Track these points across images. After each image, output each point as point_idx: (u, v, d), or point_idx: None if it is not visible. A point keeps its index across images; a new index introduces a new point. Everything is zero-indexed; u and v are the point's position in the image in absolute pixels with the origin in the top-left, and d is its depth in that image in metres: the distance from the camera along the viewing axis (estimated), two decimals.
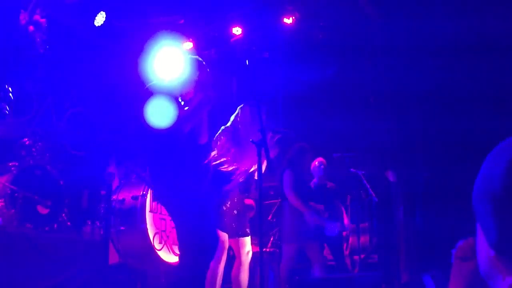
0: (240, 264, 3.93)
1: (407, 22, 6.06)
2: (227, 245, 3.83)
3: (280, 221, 5.29)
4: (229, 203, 3.86)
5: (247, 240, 3.98)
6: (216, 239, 3.46)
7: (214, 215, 3.64)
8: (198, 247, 2.96)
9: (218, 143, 3.74)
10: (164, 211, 4.85)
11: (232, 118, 3.92)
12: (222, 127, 3.89)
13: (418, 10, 5.93)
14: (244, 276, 3.94)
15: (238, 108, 3.96)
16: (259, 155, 3.23)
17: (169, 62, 3.41)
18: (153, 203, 4.85)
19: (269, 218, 6.73)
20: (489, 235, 0.89)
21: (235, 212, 3.89)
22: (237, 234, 3.89)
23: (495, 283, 0.89)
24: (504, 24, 5.28)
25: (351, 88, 7.10)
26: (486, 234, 0.90)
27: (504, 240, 0.86)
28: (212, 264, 3.59)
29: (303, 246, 5.15)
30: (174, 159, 3.07)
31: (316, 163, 5.66)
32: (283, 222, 5.22)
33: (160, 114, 2.98)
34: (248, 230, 3.99)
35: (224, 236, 3.78)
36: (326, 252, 5.83)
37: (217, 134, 3.80)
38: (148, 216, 4.75)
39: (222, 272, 3.78)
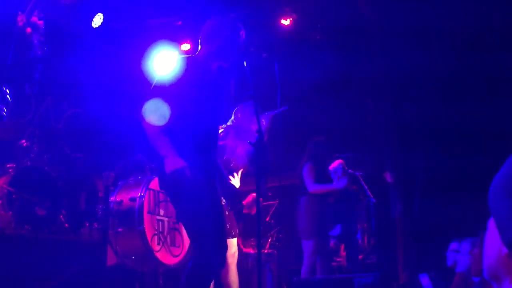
0: (227, 266, 3.92)
1: (406, 24, 6.08)
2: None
3: (297, 217, 5.31)
4: (223, 201, 3.87)
5: (235, 241, 3.99)
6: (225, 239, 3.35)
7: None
8: (210, 247, 2.86)
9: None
10: (162, 213, 4.85)
11: (229, 122, 3.93)
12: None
13: (417, 12, 5.95)
14: (234, 279, 3.93)
15: (234, 110, 3.97)
16: (258, 157, 3.23)
17: (167, 63, 3.39)
18: (151, 205, 4.84)
19: (267, 219, 6.74)
20: (505, 232, 0.88)
21: (227, 213, 3.90)
22: (230, 234, 3.90)
23: (502, 283, 0.87)
24: (504, 15, 5.28)
25: (349, 89, 7.12)
26: (502, 231, 0.88)
27: None
28: None
29: (321, 242, 5.17)
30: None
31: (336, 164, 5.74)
32: (300, 218, 5.24)
33: (158, 114, 2.95)
34: (237, 231, 4.01)
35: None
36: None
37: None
38: (146, 218, 4.75)
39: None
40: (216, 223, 2.90)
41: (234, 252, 3.96)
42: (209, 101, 3.03)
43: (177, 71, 2.96)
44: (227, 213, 3.89)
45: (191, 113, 2.95)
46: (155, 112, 2.88)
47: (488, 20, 5.43)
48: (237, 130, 3.90)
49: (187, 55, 3.10)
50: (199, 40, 3.16)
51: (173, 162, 2.79)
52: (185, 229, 3.09)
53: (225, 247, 2.99)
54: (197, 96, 2.95)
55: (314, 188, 5.22)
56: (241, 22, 3.19)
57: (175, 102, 2.90)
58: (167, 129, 2.88)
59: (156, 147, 2.87)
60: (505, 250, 0.89)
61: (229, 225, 3.88)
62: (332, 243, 6.00)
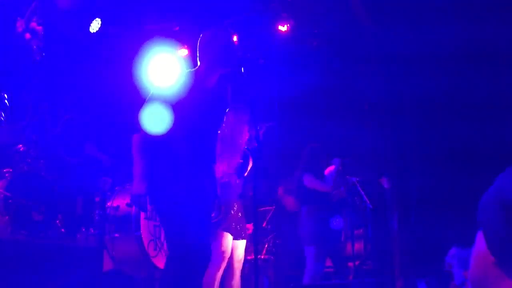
0: (232, 271, 3.92)
1: (402, 29, 6.10)
2: (228, 254, 3.82)
3: (298, 226, 5.32)
4: (235, 206, 3.89)
5: (243, 244, 3.99)
6: (207, 247, 3.35)
7: (206, 221, 3.60)
8: (187, 254, 2.89)
9: None
10: (159, 218, 4.85)
11: None
12: None
13: (414, 17, 5.98)
14: (236, 284, 3.94)
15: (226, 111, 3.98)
16: (255, 162, 3.25)
17: (164, 68, 3.40)
18: (149, 210, 4.84)
19: (264, 225, 6.73)
20: (493, 241, 0.89)
21: (240, 214, 3.94)
22: (240, 235, 3.92)
23: None
24: (503, 32, 5.30)
25: (345, 95, 7.14)
26: (490, 240, 0.90)
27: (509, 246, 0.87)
28: (210, 270, 3.56)
29: (321, 248, 5.16)
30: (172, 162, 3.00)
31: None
32: (302, 225, 5.24)
33: (155, 120, 2.96)
34: (247, 233, 4.05)
35: (228, 242, 3.78)
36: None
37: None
38: (143, 223, 4.74)
39: (219, 280, 3.77)
40: (196, 230, 2.93)
41: (241, 258, 3.98)
42: (209, 113, 3.07)
43: (180, 86, 3.00)
44: (239, 215, 3.92)
45: (191, 125, 2.98)
46: (154, 120, 2.89)
47: (491, 38, 5.45)
48: (225, 138, 3.89)
49: (190, 70, 3.14)
50: (198, 57, 3.19)
51: (137, 187, 2.91)
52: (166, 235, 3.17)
53: (207, 253, 3.03)
54: (197, 110, 2.99)
55: (323, 187, 5.23)
56: (232, 27, 3.22)
57: (175, 113, 2.93)
58: (160, 139, 2.90)
59: (134, 163, 2.96)
60: (492, 258, 0.91)
61: (239, 227, 3.91)
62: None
